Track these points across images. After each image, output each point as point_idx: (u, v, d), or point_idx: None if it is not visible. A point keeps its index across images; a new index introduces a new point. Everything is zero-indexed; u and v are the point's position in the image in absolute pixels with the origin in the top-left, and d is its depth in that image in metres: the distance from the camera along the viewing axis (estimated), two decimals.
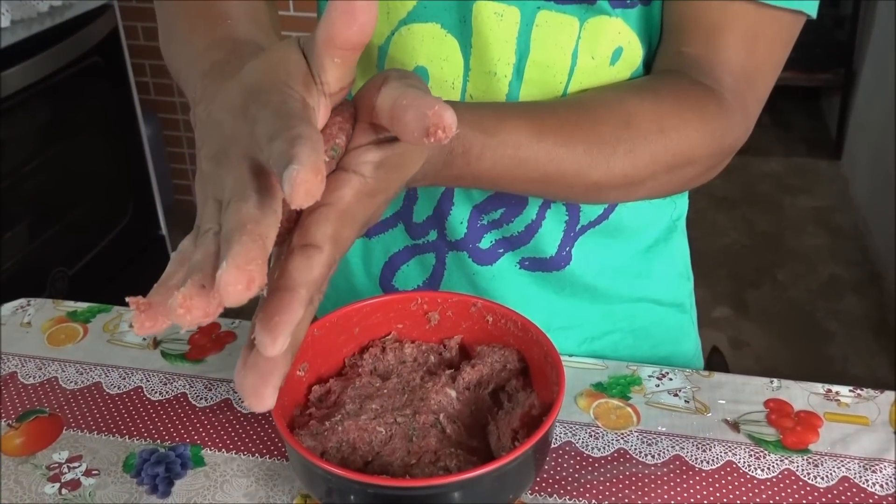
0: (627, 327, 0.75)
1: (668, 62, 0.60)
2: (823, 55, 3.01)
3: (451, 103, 0.47)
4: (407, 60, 0.62)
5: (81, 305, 0.80)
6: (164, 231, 2.11)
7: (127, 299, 0.38)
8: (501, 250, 0.69)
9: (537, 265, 0.69)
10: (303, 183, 0.32)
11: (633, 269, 0.72)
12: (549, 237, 0.67)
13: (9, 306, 0.80)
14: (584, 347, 0.75)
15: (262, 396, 0.37)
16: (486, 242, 0.69)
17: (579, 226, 0.68)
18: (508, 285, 0.71)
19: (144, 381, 0.70)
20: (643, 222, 0.71)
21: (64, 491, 0.60)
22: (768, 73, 0.59)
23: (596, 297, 0.72)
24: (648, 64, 0.63)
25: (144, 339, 0.75)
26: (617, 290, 0.73)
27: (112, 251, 1.93)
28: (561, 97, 0.56)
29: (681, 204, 0.75)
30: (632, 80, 0.60)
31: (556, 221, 0.67)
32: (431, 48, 0.61)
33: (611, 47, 0.60)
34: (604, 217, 0.68)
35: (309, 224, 0.39)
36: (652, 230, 0.73)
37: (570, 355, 0.73)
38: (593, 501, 0.59)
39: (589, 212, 0.68)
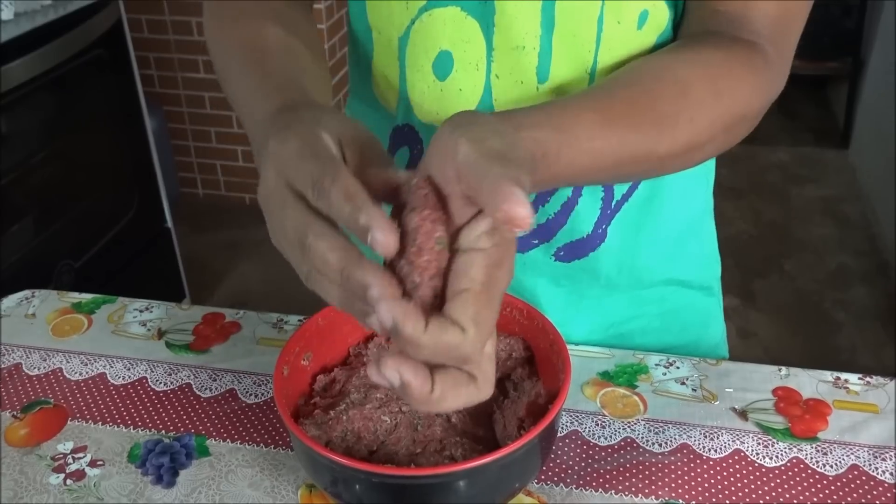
0: (656, 311, 0.74)
1: (702, 23, 0.60)
2: (831, 44, 2.99)
3: (521, 110, 0.48)
4: (430, 45, 0.62)
5: (86, 296, 0.80)
6: (169, 224, 2.11)
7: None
8: (536, 241, 0.68)
9: (572, 252, 0.69)
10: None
11: (664, 249, 0.72)
12: (586, 214, 0.67)
13: (13, 298, 0.80)
14: (611, 332, 0.74)
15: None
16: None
17: (614, 201, 0.67)
18: (540, 272, 0.70)
19: (149, 371, 0.70)
20: (678, 198, 0.71)
21: (69, 482, 0.60)
22: (799, 18, 0.60)
23: (627, 279, 0.72)
24: (676, 25, 0.63)
25: (149, 329, 0.75)
26: (648, 272, 0.72)
27: (118, 244, 1.93)
28: (612, 78, 0.56)
29: (711, 179, 0.74)
30: (675, 46, 0.60)
31: (592, 198, 0.67)
32: (453, 32, 0.61)
33: (636, 11, 0.60)
34: (634, 187, 0.68)
35: (451, 309, 0.39)
36: (686, 209, 0.72)
37: (594, 344, 0.73)
38: (600, 490, 0.58)
39: (622, 185, 0.68)
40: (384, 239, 0.38)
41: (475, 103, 0.63)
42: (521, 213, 0.37)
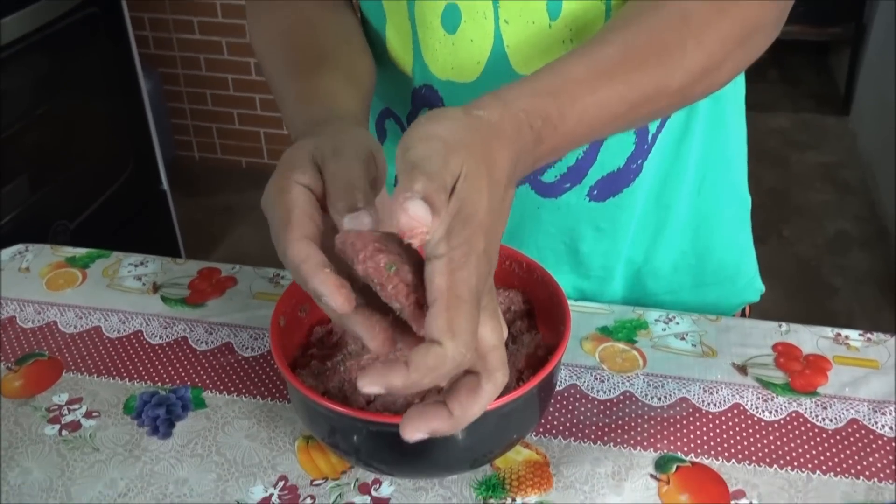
0: (689, 248, 0.74)
1: None
2: (833, 9, 2.96)
3: (509, 86, 0.46)
4: (436, 0, 0.61)
5: (80, 251, 0.79)
6: (165, 186, 2.10)
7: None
8: (568, 185, 0.67)
9: (606, 189, 0.68)
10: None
11: (697, 180, 0.71)
12: (617, 149, 0.66)
13: (7, 251, 0.79)
14: (646, 268, 0.74)
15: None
16: (549, 176, 0.68)
17: (650, 135, 0.66)
18: (577, 216, 0.69)
19: (144, 325, 0.69)
20: (708, 124, 0.69)
21: (64, 432, 0.60)
22: None
23: (663, 212, 0.71)
24: None
25: (144, 284, 0.74)
26: (682, 204, 0.71)
27: (113, 205, 1.92)
28: (606, 26, 0.54)
29: (741, 105, 0.73)
30: None
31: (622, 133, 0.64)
32: None
33: None
34: (666, 118, 0.66)
35: (427, 327, 0.39)
36: (717, 136, 0.71)
37: (629, 298, 0.72)
38: (598, 443, 0.58)
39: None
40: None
41: (487, 52, 0.61)
42: (403, 220, 0.37)
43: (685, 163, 0.69)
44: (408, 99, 0.68)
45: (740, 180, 0.76)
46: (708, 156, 0.71)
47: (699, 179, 0.71)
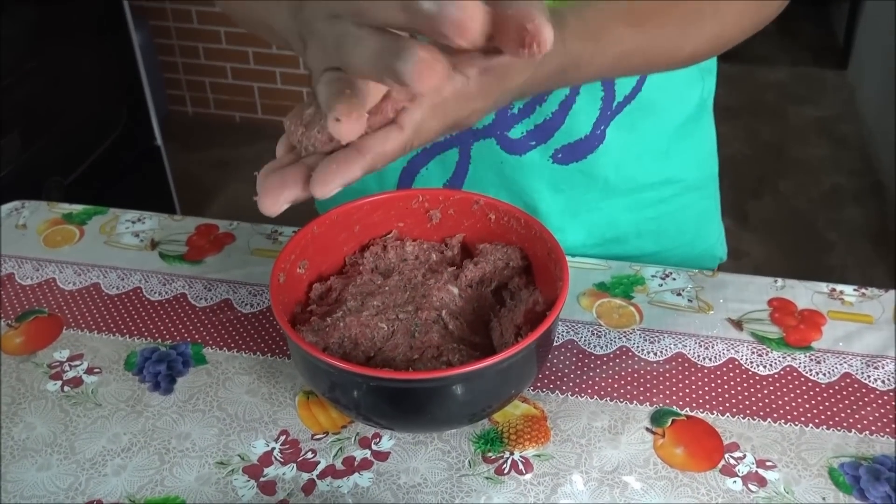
0: (652, 213, 0.74)
1: None
2: None
3: (557, 11, 0.46)
4: None
5: (77, 207, 0.79)
6: (159, 142, 2.08)
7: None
8: (534, 142, 0.67)
9: (570, 153, 0.68)
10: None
11: (662, 147, 0.72)
12: (584, 115, 0.66)
13: (4, 208, 0.79)
14: (608, 235, 0.74)
15: (276, 199, 0.40)
16: (516, 132, 0.68)
17: (616, 102, 0.67)
18: (538, 176, 0.70)
19: (143, 281, 0.70)
20: (674, 98, 0.70)
21: (66, 388, 0.60)
22: None
23: (623, 181, 0.71)
24: None
25: (142, 240, 0.74)
26: (643, 172, 0.72)
27: (107, 161, 1.91)
28: None
29: (709, 82, 0.74)
30: None
31: (591, 97, 0.66)
32: None
33: None
34: (637, 90, 0.67)
35: (401, 105, 0.40)
36: (682, 107, 0.72)
37: (591, 252, 0.73)
38: (595, 398, 0.59)
39: (624, 86, 0.67)
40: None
41: None
42: (546, 33, 0.36)
43: (650, 131, 0.70)
44: None
45: (708, 148, 0.77)
46: (674, 125, 0.71)
47: (664, 148, 0.71)
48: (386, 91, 0.40)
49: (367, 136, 0.40)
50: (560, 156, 0.68)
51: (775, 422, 0.57)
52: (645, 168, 0.72)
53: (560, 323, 0.64)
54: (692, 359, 0.62)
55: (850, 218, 2.33)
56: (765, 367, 0.61)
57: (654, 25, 0.52)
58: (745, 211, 2.36)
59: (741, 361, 0.61)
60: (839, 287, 0.68)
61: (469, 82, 0.41)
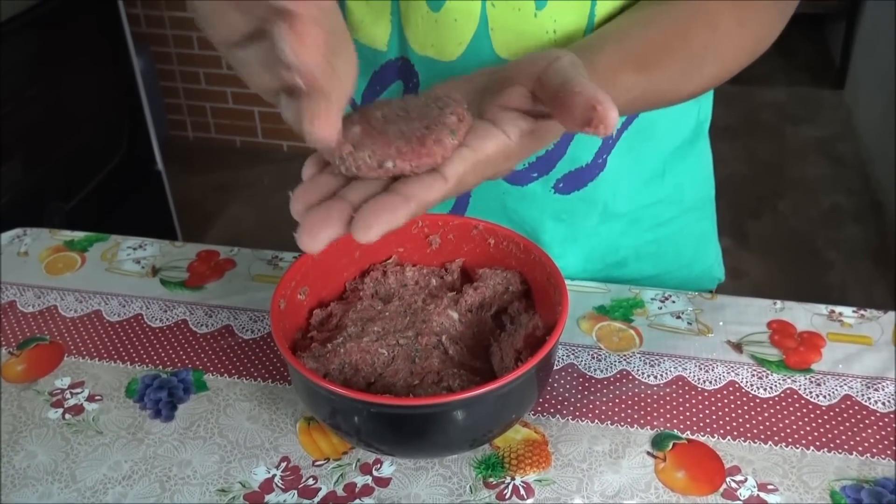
0: (651, 237, 0.75)
1: None
2: None
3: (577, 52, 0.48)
4: None
5: (78, 234, 0.79)
6: (160, 166, 2.09)
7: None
8: (535, 174, 0.68)
9: (572, 183, 0.69)
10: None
11: (659, 169, 0.72)
12: (586, 143, 0.67)
13: (5, 236, 0.79)
14: (607, 260, 0.74)
15: (317, 237, 0.39)
16: (518, 165, 0.68)
17: (615, 130, 0.67)
18: (540, 207, 0.70)
19: (144, 308, 0.70)
20: (671, 121, 0.71)
21: (67, 416, 0.60)
22: None
23: (623, 203, 0.72)
24: None
25: (143, 267, 0.75)
26: (643, 193, 0.72)
27: (108, 186, 1.92)
28: (645, 17, 0.56)
29: (705, 105, 0.74)
30: None
31: None
32: None
33: None
34: (634, 115, 0.68)
35: (449, 152, 0.42)
36: (679, 130, 0.72)
37: (591, 277, 0.73)
38: (595, 421, 0.59)
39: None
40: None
41: (471, 33, 0.61)
42: (613, 115, 0.39)
43: (647, 154, 0.70)
44: (368, 74, 0.68)
45: (705, 170, 0.77)
46: (671, 147, 0.72)
47: (661, 170, 0.72)
48: (435, 134, 0.42)
49: (413, 183, 0.41)
50: (562, 185, 0.68)
51: (776, 445, 0.57)
52: (643, 190, 0.72)
53: (560, 347, 0.65)
54: (692, 382, 0.62)
55: (849, 236, 2.33)
56: (765, 389, 0.61)
57: (659, 69, 0.53)
58: (744, 230, 2.36)
59: (741, 384, 0.62)
60: (838, 308, 0.68)
61: (510, 142, 0.44)
